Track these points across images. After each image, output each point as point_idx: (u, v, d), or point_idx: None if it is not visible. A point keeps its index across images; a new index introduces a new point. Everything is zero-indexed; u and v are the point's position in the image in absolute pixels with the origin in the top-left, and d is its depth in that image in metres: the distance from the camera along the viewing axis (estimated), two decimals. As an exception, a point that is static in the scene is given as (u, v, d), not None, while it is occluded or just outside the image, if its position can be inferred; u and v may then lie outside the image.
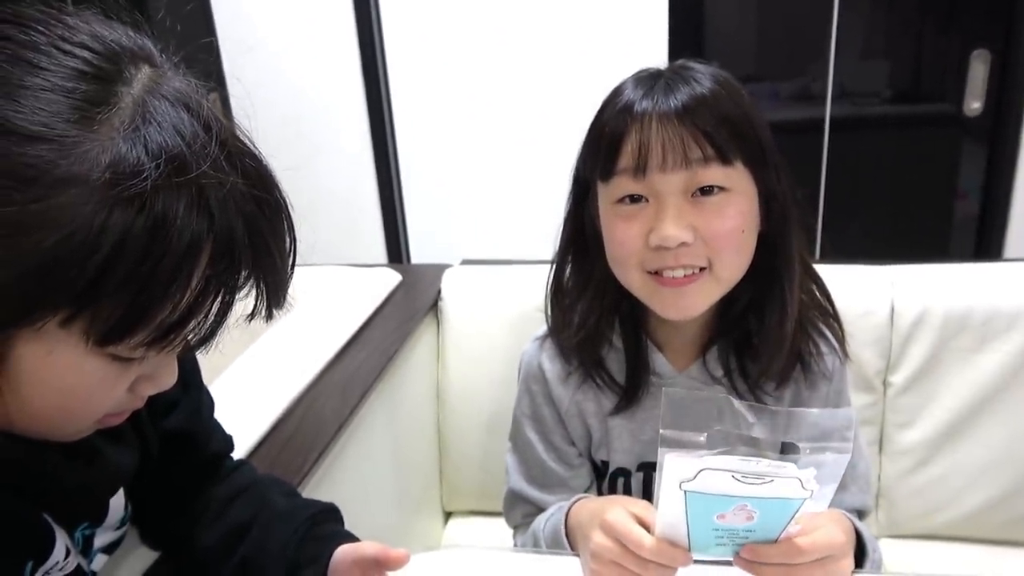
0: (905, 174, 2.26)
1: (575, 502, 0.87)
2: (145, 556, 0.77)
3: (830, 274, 1.24)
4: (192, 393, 0.75)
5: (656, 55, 1.98)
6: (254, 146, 0.52)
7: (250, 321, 0.54)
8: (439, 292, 1.36)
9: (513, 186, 2.22)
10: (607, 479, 0.94)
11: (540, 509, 0.95)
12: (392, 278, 1.41)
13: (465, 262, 1.47)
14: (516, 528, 1.00)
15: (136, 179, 0.43)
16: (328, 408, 1.04)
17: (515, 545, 1.00)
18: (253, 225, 0.49)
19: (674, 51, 2.06)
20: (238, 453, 0.91)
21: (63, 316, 0.44)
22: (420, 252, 2.39)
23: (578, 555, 0.83)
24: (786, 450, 0.66)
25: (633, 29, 2.05)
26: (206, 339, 0.50)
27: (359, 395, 1.07)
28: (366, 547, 0.67)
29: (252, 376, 1.10)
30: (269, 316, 0.54)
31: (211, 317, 0.49)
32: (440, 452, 1.39)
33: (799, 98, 2.20)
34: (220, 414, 0.86)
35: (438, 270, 1.42)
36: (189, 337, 0.49)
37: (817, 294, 0.89)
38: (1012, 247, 2.15)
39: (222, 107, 2.32)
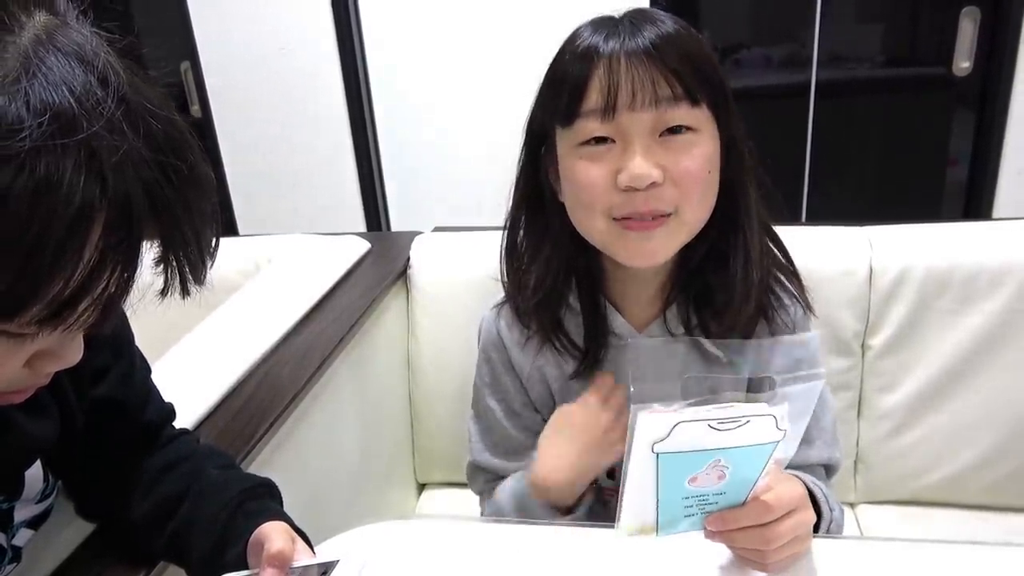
0: (894, 139, 2.23)
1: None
2: (80, 529, 0.74)
3: (807, 235, 1.21)
4: (123, 359, 0.72)
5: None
6: (169, 109, 0.47)
7: (163, 298, 0.50)
8: (408, 260, 1.33)
9: (498, 154, 2.18)
10: (570, 443, 0.91)
11: (503, 477, 0.92)
12: (360, 246, 1.38)
13: (437, 229, 1.43)
14: (481, 494, 0.98)
15: (14, 137, 0.39)
16: (285, 376, 1.01)
17: (482, 512, 0.97)
18: (156, 193, 0.45)
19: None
20: (189, 422, 0.88)
21: None
22: (404, 223, 2.35)
23: (543, 514, 0.82)
24: (757, 387, 0.63)
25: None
26: (105, 316, 0.46)
27: (318, 362, 1.04)
28: (271, 545, 0.61)
29: (208, 345, 1.07)
30: (185, 293, 0.50)
31: (108, 293, 0.45)
32: (412, 423, 1.37)
33: (789, 63, 2.17)
34: (173, 383, 0.82)
35: (408, 238, 1.38)
36: (86, 315, 0.45)
37: (775, 251, 0.86)
38: (1001, 211, 2.11)
39: (193, 75, 2.27)
